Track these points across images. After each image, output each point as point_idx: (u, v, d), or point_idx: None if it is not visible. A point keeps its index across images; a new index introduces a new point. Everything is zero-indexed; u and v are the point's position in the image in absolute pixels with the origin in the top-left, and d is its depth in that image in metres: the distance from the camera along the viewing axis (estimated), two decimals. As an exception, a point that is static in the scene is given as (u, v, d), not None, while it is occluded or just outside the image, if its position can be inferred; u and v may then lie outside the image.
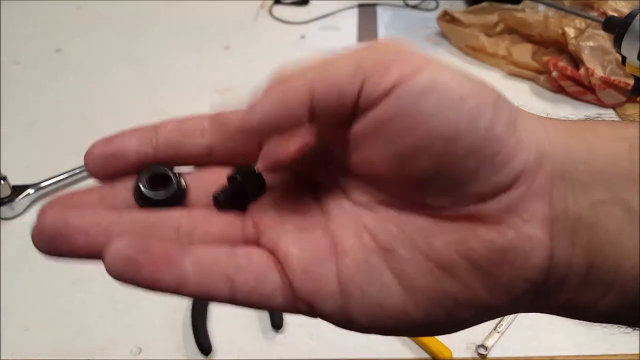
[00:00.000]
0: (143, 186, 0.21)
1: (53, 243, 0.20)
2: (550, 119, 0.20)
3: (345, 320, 0.20)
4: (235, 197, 0.21)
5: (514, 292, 0.19)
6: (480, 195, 0.18)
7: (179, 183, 0.21)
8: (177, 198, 0.21)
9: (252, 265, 0.20)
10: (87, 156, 0.22)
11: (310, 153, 0.21)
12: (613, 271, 0.18)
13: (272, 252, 0.20)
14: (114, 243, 0.19)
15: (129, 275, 0.18)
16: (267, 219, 0.21)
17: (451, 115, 0.17)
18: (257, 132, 0.19)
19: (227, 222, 0.21)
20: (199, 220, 0.21)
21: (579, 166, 0.18)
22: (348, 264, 0.20)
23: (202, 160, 0.22)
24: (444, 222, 0.19)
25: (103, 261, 0.19)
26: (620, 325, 0.20)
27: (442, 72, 0.18)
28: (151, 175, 0.21)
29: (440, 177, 0.18)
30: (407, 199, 0.20)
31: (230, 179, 0.21)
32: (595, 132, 0.19)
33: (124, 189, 0.21)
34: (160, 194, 0.21)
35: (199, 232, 0.20)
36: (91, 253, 0.20)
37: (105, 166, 0.22)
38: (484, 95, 0.18)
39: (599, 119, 0.20)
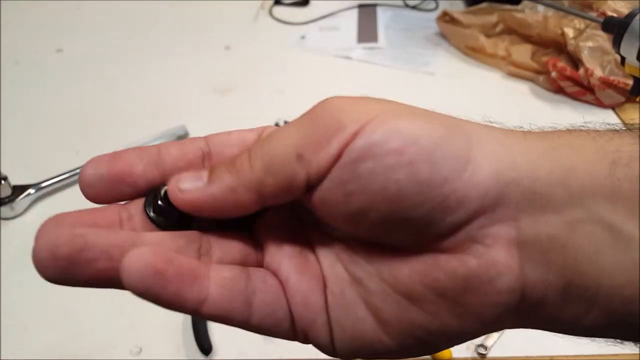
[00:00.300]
0: (164, 203, 0.20)
1: (69, 268, 0.17)
2: (525, 134, 0.19)
3: (332, 351, 0.20)
4: (234, 219, 0.21)
5: (485, 318, 0.18)
6: (438, 234, 0.18)
7: None
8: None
9: (267, 288, 0.20)
10: (87, 176, 0.20)
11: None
12: (594, 288, 0.17)
13: (275, 275, 0.20)
14: (135, 249, 0.17)
15: (155, 289, 0.17)
16: (269, 241, 0.21)
17: (389, 175, 0.17)
18: (208, 213, 0.19)
19: (238, 243, 0.21)
20: (213, 241, 0.21)
21: (553, 188, 0.18)
22: (329, 296, 0.20)
23: None
24: (408, 254, 0.19)
25: (121, 272, 0.17)
26: (609, 339, 0.19)
27: (378, 130, 0.18)
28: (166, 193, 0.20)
29: (392, 228, 0.18)
30: (371, 240, 0.20)
31: None
32: (575, 148, 0.18)
33: (135, 209, 0.20)
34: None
35: (217, 254, 0.20)
36: (111, 279, 0.18)
37: (111, 189, 0.20)
38: (426, 138, 0.18)
39: (584, 129, 0.19)
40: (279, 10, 1.02)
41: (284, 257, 0.21)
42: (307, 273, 0.20)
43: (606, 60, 0.72)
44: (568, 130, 0.20)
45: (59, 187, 0.62)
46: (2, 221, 0.59)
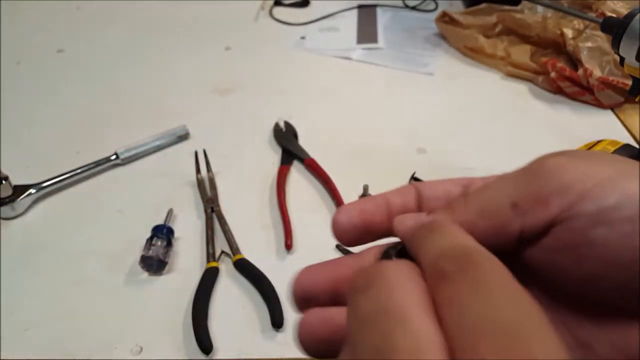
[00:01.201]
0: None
1: (323, 349, 0.20)
2: None
3: None
4: None
5: None
6: None
7: None
8: None
9: None
10: (341, 225, 0.22)
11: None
12: None
13: None
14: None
15: None
16: None
17: (626, 243, 0.17)
18: None
19: None
20: None
21: None
22: None
23: None
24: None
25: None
26: None
27: (609, 194, 0.17)
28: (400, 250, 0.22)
29: (628, 293, 0.18)
30: (601, 303, 0.19)
31: None
32: None
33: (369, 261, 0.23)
34: None
35: None
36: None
37: (358, 236, 0.22)
38: None
39: None
40: (279, 11, 1.02)
41: None
42: None
43: (605, 60, 0.72)
44: None
45: (60, 187, 0.62)
46: (3, 221, 0.59)
